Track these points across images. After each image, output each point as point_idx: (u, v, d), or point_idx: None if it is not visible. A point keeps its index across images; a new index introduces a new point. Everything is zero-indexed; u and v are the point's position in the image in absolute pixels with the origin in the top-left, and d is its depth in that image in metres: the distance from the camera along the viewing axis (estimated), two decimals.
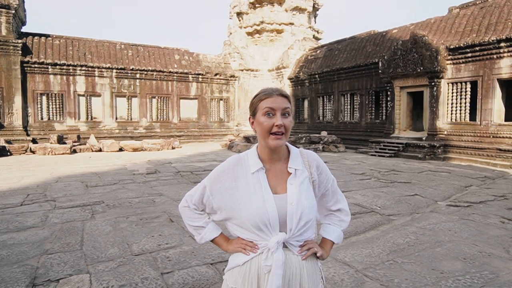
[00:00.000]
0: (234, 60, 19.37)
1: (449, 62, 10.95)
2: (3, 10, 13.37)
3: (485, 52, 10.06)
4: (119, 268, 2.92)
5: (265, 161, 1.28)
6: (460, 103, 10.90)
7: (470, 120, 10.74)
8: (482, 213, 4.68)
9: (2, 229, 3.97)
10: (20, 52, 13.86)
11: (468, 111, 10.76)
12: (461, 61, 10.69)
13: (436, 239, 3.65)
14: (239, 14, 20.37)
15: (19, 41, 13.83)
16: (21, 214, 4.56)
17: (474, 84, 10.58)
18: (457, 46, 10.58)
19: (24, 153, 12.33)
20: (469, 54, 10.42)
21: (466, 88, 10.73)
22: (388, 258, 3.16)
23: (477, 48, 10.18)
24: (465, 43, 10.39)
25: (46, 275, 2.78)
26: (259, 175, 1.24)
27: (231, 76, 19.05)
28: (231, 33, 21.08)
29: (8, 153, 11.88)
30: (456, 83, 10.95)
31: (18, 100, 13.92)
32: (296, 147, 1.40)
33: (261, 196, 1.21)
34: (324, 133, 14.86)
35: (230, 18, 21.44)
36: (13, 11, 13.59)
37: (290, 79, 18.58)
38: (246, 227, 1.22)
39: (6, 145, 12.23)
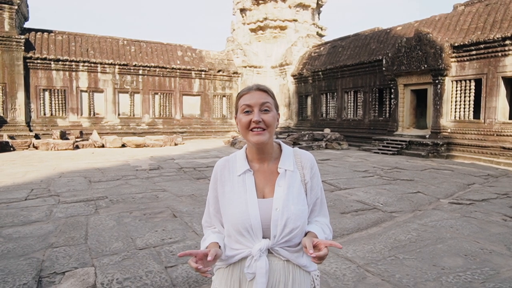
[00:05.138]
0: (237, 57, 19.33)
1: (453, 59, 10.89)
2: (6, 6, 13.40)
3: (490, 50, 9.99)
4: (123, 261, 2.95)
5: (253, 161, 1.23)
6: (464, 101, 10.84)
7: (474, 118, 10.69)
8: (484, 210, 4.68)
9: (7, 222, 4.02)
10: (23, 47, 13.90)
11: (472, 109, 10.72)
12: (465, 58, 10.63)
13: (437, 236, 3.66)
14: (242, 10, 20.30)
15: (22, 36, 13.86)
16: (26, 209, 4.61)
17: (478, 82, 10.52)
18: (461, 43, 10.51)
19: (27, 149, 12.40)
20: (474, 52, 10.36)
21: (470, 86, 10.67)
22: (390, 254, 3.18)
23: (481, 46, 10.11)
24: (470, 40, 10.32)
25: (52, 268, 2.82)
26: (245, 178, 1.19)
27: (234, 73, 19.03)
28: (234, 30, 21.03)
29: (11, 149, 11.95)
30: (460, 80, 10.89)
31: (21, 95, 13.98)
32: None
33: (245, 200, 1.15)
34: (327, 131, 14.84)
35: (233, 15, 21.38)
36: (16, 7, 13.61)
37: (293, 76, 18.54)
38: (229, 233, 1.17)
39: (9, 140, 12.30)
